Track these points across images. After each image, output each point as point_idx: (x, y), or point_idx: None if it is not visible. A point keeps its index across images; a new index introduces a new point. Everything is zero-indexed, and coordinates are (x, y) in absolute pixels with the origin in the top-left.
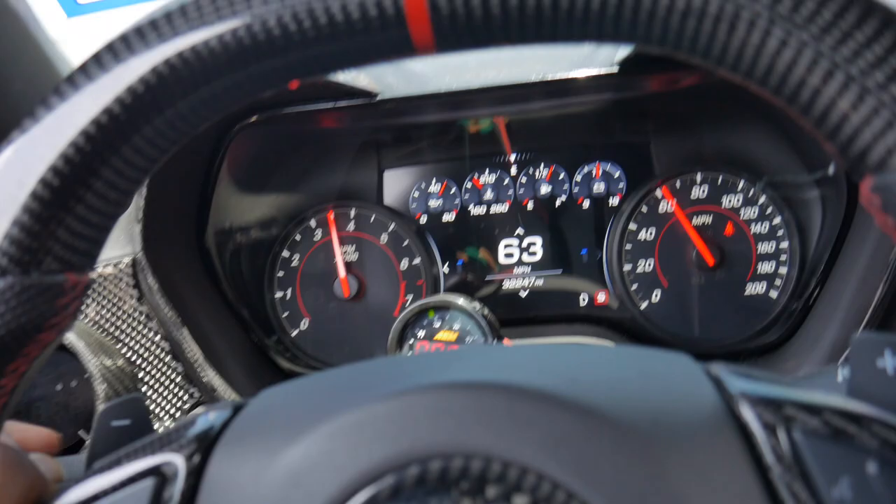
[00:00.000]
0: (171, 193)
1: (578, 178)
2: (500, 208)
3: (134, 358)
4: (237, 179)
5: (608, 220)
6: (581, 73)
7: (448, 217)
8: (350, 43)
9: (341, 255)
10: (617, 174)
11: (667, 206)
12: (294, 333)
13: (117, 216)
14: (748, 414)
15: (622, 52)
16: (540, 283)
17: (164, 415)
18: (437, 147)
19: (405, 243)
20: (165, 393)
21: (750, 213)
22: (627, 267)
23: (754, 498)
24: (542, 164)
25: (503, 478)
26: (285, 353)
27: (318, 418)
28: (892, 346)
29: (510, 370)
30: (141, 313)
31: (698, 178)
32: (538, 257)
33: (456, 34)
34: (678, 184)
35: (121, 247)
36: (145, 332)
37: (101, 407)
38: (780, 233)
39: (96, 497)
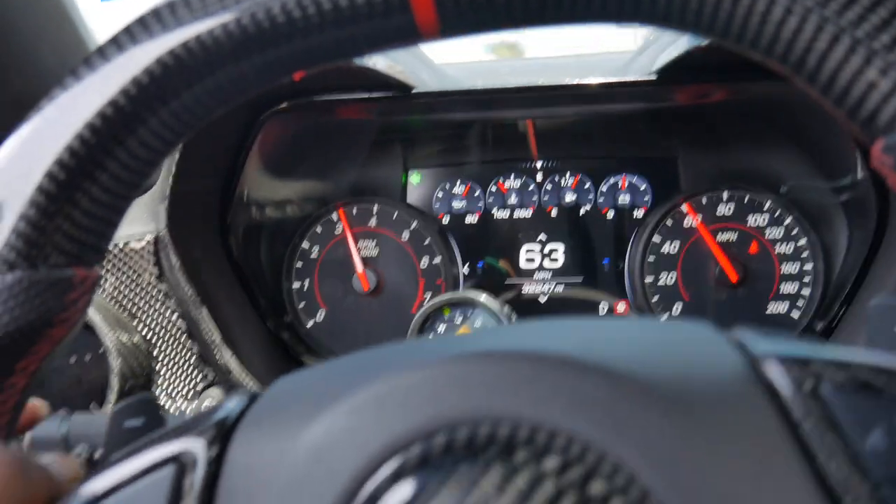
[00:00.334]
0: (199, 175)
1: (604, 188)
2: (524, 213)
3: (150, 335)
4: (264, 166)
5: (631, 232)
6: (617, 79)
7: (471, 219)
8: (354, 29)
9: (357, 251)
10: (643, 187)
11: (691, 221)
12: (309, 325)
13: (125, 208)
14: (774, 372)
15: (661, 61)
16: (560, 289)
17: (178, 395)
18: (464, 149)
19: (426, 242)
20: (180, 372)
21: (775, 233)
22: (649, 279)
23: (786, 453)
24: (568, 173)
25: (532, 441)
26: (299, 343)
27: (338, 395)
28: None
29: (533, 340)
30: (160, 291)
31: (725, 195)
32: (559, 264)
33: (461, 17)
34: (704, 200)
35: (143, 224)
36: (163, 310)
37: (114, 382)
38: (805, 254)
39: (115, 489)
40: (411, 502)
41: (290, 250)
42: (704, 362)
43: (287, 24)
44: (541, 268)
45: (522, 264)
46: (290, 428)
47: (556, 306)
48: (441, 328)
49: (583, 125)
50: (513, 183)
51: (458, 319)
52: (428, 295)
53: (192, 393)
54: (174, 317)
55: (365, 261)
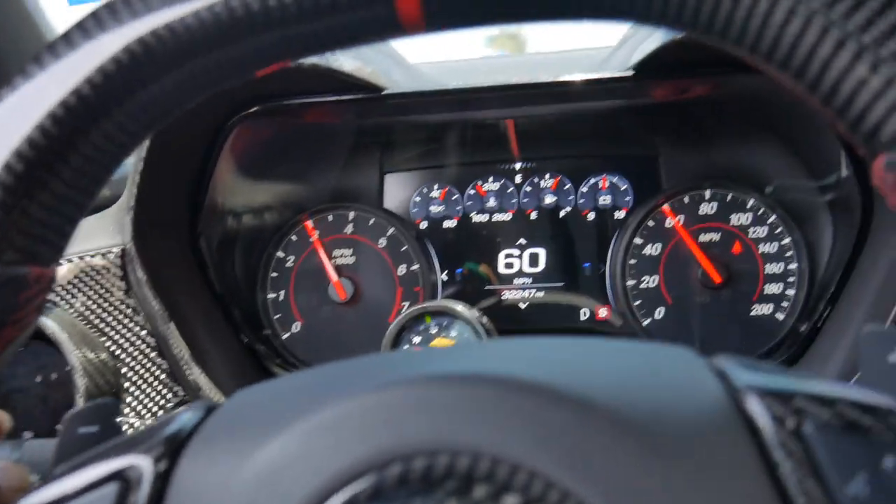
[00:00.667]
0: (165, 183)
1: (584, 189)
2: (503, 217)
3: (118, 352)
4: (235, 172)
5: (612, 234)
6: (594, 75)
7: (449, 224)
8: (333, 20)
9: (329, 260)
10: (624, 187)
11: (672, 222)
12: (285, 336)
13: (86, 206)
14: (755, 407)
15: (637, 56)
16: (541, 295)
17: (146, 413)
18: (441, 151)
19: (404, 248)
20: (149, 390)
21: (759, 232)
22: (631, 282)
23: (762, 497)
24: (548, 174)
25: (492, 476)
26: (275, 356)
27: (293, 416)
28: None
29: (499, 362)
30: (128, 306)
31: (707, 194)
32: (540, 269)
33: (446, 10)
34: (686, 199)
35: (110, 236)
36: (131, 325)
37: (80, 402)
38: (789, 254)
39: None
40: None
41: (264, 260)
42: (683, 394)
43: (263, 14)
44: (521, 273)
45: (502, 269)
46: (241, 448)
47: (537, 313)
48: (416, 339)
49: (561, 124)
50: (491, 185)
51: (434, 330)
52: (406, 304)
53: (161, 411)
54: (143, 333)
55: (341, 269)
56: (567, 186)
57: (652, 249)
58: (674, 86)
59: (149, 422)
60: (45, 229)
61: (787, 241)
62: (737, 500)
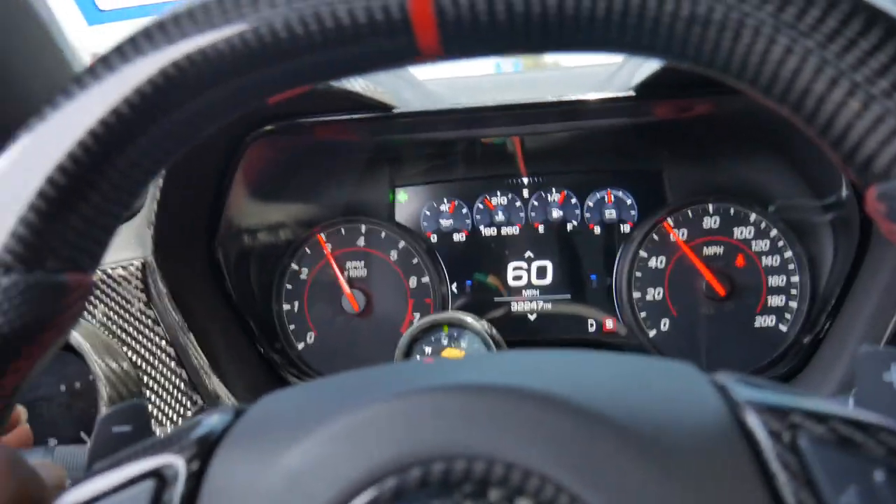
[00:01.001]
0: (184, 199)
1: (590, 203)
2: (511, 230)
3: (139, 362)
4: (250, 189)
5: (619, 247)
6: (596, 95)
7: (459, 237)
8: (355, 48)
9: (342, 272)
10: (629, 201)
11: (676, 235)
12: (300, 347)
13: (122, 218)
14: (754, 421)
15: (639, 76)
16: (549, 307)
17: (167, 421)
18: (450, 166)
19: (415, 261)
20: (169, 399)
21: (762, 245)
22: (637, 294)
23: None
24: (554, 189)
25: (506, 480)
26: (290, 366)
27: (318, 420)
28: None
29: (514, 374)
30: (148, 317)
31: (710, 208)
32: (547, 281)
33: (463, 40)
34: (689, 213)
35: (132, 249)
36: (152, 336)
37: (103, 410)
38: (791, 267)
39: (94, 499)
40: None
41: (279, 272)
42: (685, 407)
43: (289, 41)
44: (529, 285)
45: (510, 282)
46: (269, 451)
47: (545, 324)
48: (427, 350)
49: (567, 141)
50: (499, 200)
51: (445, 341)
52: (417, 315)
53: (181, 419)
54: (163, 343)
55: (354, 281)
56: (573, 201)
57: (657, 262)
58: (675, 105)
59: (169, 429)
60: (85, 239)
61: (788, 254)
62: None
